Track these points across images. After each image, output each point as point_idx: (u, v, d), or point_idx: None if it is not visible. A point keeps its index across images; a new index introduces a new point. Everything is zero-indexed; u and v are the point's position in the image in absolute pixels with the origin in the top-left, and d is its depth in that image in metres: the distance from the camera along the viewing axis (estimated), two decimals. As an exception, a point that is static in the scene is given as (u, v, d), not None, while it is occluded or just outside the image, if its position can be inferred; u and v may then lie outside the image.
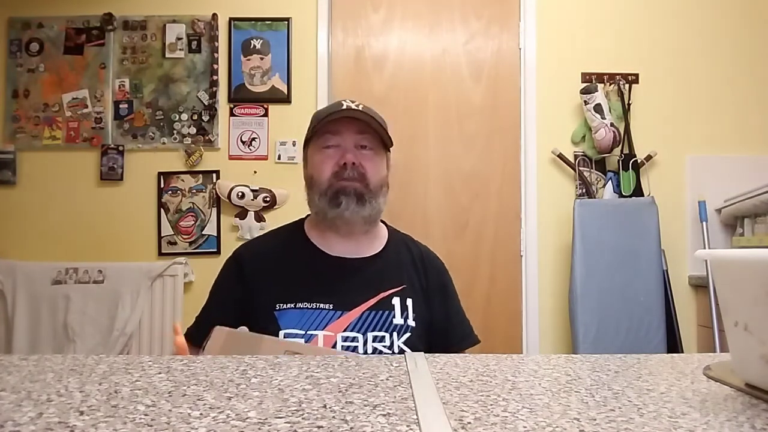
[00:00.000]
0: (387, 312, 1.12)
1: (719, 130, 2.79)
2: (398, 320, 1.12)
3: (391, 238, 1.26)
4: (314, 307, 1.09)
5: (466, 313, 1.27)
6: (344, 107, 1.17)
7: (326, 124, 1.16)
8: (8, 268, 2.67)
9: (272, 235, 1.30)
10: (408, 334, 1.12)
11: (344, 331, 1.08)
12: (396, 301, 1.14)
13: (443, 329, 1.20)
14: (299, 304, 1.10)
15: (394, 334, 1.11)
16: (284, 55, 2.82)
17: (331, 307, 1.10)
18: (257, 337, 0.93)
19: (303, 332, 1.07)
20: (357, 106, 1.18)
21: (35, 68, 2.83)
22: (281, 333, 1.06)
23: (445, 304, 1.22)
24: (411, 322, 1.14)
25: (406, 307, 1.15)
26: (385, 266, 1.20)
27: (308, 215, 1.25)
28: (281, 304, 1.10)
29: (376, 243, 1.23)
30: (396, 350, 1.10)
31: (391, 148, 1.24)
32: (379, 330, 1.10)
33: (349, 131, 1.16)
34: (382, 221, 1.28)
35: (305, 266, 1.17)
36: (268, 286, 1.14)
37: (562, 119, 2.80)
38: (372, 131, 1.17)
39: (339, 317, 1.09)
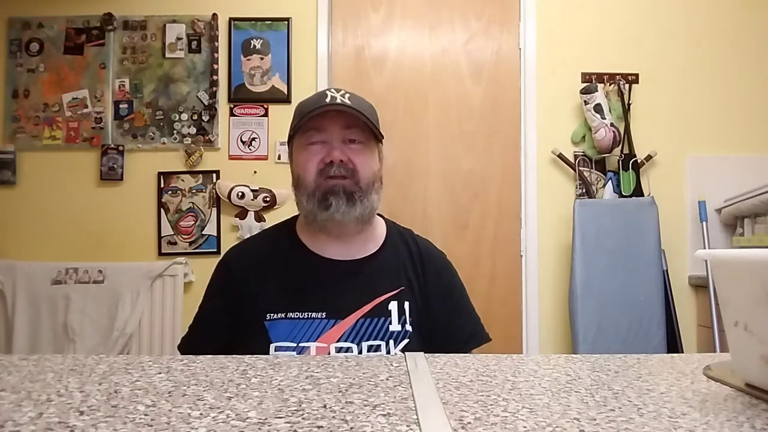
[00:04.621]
0: (383, 319, 1.07)
1: (719, 130, 2.79)
2: (395, 326, 1.07)
3: (389, 235, 1.18)
4: (306, 316, 1.04)
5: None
6: (328, 99, 1.08)
7: (310, 120, 1.08)
8: (8, 268, 2.67)
9: (263, 236, 1.25)
10: (406, 341, 1.07)
11: (337, 341, 1.03)
12: (393, 305, 1.08)
13: (446, 331, 1.12)
14: (290, 314, 1.04)
15: (390, 341, 1.06)
16: (284, 55, 2.82)
17: (324, 316, 1.04)
18: None
19: (295, 344, 1.02)
20: (343, 96, 1.09)
21: (35, 68, 2.83)
22: (272, 346, 1.02)
23: (446, 305, 1.14)
24: (408, 327, 1.08)
25: (404, 311, 1.09)
26: (381, 267, 1.13)
27: (299, 214, 1.18)
28: (272, 314, 1.05)
29: (371, 242, 1.16)
30: None
31: (382, 140, 1.15)
32: (374, 338, 1.05)
33: (335, 126, 1.08)
34: (381, 215, 1.21)
35: (296, 271, 1.11)
36: (258, 293, 1.08)
37: (562, 119, 2.80)
38: (360, 124, 1.09)
39: (332, 326, 1.04)
